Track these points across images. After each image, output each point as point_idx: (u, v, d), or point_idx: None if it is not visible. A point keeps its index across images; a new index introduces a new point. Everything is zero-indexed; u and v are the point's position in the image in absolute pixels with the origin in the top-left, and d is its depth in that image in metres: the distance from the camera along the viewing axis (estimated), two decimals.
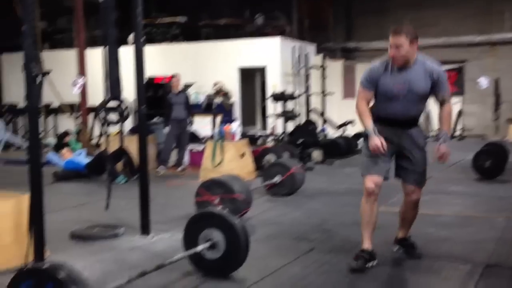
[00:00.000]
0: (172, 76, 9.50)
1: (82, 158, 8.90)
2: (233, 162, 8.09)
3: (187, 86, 11.86)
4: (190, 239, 3.70)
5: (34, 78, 3.58)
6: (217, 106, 12.82)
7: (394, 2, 16.47)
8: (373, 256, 3.80)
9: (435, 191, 6.68)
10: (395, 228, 4.13)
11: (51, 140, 12.89)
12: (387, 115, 3.78)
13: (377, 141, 3.65)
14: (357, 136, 10.94)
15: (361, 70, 10.19)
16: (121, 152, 7.50)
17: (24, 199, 3.94)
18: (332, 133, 12.59)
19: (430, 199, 6.12)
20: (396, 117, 3.75)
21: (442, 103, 3.78)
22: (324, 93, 13.21)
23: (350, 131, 11.94)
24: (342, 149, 10.60)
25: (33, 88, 3.60)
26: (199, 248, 3.60)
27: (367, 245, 3.83)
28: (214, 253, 3.61)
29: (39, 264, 2.70)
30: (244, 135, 9.97)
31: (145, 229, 4.83)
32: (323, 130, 11.30)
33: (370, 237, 3.84)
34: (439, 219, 5.34)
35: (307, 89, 12.02)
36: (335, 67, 15.64)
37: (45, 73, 3.83)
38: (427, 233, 4.75)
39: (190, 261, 3.70)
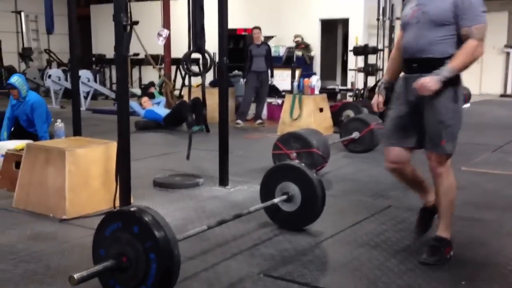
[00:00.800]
0: (254, 28, 9.47)
1: (161, 108, 9.20)
2: (311, 116, 8.06)
3: (268, 38, 11.79)
4: (267, 191, 3.77)
5: (124, 27, 3.69)
6: (297, 59, 12.71)
7: None
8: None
9: None
10: (478, 189, 3.98)
11: (137, 90, 13.37)
12: (403, 51, 3.33)
13: (374, 99, 3.48)
14: None
15: None
16: (194, 102, 7.68)
17: (112, 146, 4.16)
18: None
19: None
20: (407, 50, 3.28)
21: (466, 38, 3.01)
22: None
23: None
24: None
25: (122, 37, 3.70)
26: (276, 200, 3.67)
27: (426, 202, 3.56)
28: (290, 206, 3.66)
29: (126, 208, 2.85)
30: (323, 90, 9.86)
31: (223, 180, 4.96)
32: None
33: (426, 195, 3.53)
34: None
35: (391, 42, 11.58)
36: None
37: (134, 23, 3.92)
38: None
39: (266, 212, 3.78)
